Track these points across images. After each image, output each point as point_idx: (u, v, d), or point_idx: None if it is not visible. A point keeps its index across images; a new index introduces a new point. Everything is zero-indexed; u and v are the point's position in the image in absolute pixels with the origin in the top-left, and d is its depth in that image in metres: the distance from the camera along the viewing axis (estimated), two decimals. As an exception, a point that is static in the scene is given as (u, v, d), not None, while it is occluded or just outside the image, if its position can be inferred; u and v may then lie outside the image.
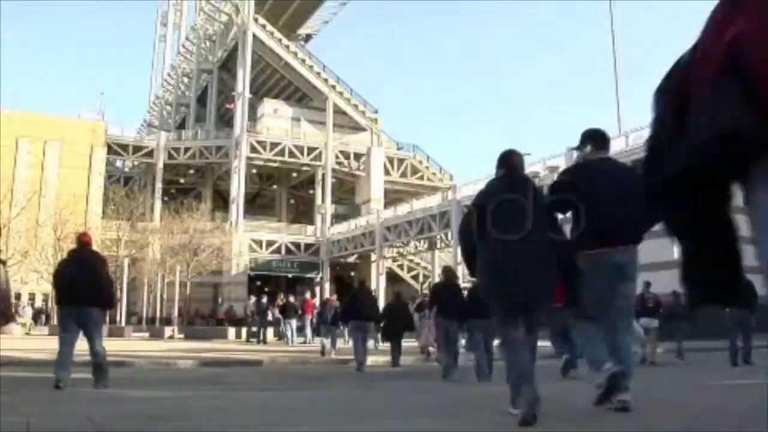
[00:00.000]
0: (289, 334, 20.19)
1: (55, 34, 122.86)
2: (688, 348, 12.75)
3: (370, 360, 11.87)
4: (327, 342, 14.92)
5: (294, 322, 20.44)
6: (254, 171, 49.64)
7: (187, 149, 48.02)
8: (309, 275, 44.54)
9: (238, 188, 45.61)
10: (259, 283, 42.28)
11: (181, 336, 24.59)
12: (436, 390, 7.29)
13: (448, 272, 10.17)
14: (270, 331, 22.54)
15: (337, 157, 48.02)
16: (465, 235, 4.30)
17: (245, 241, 43.78)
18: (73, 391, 6.35)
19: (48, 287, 30.66)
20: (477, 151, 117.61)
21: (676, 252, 1.08)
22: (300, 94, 52.14)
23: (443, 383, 8.42)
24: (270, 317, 22.50)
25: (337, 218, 48.21)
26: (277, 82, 52.56)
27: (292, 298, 21.90)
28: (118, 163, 51.20)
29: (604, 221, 4.04)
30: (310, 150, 47.23)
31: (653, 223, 3.53)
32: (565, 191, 4.27)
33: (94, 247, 8.09)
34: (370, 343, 13.33)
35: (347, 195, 51.66)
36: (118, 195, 34.77)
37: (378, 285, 40.96)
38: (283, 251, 44.97)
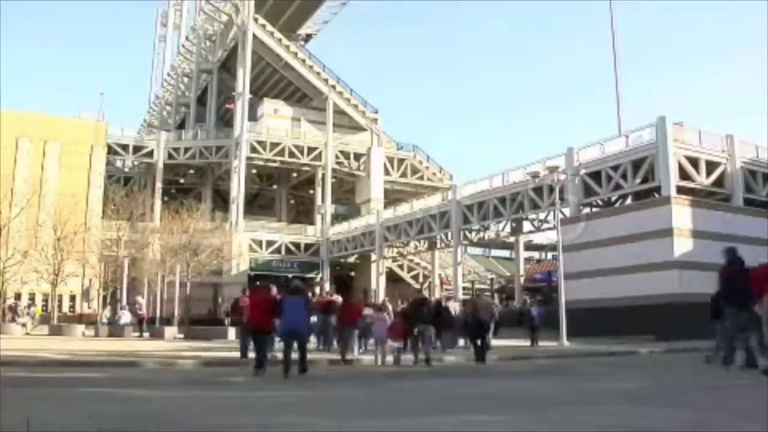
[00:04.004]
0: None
1: (55, 34, 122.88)
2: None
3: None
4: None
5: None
6: (254, 171, 49.66)
7: (187, 149, 48.04)
8: (309, 275, 44.52)
9: (238, 188, 45.62)
10: (258, 282, 42.24)
11: (181, 336, 24.51)
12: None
13: None
14: None
15: (337, 157, 48.04)
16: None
17: (245, 241, 43.80)
18: (74, 390, 6.36)
19: (48, 287, 30.56)
20: (477, 151, 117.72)
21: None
22: (300, 94, 52.14)
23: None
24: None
25: (337, 218, 48.21)
26: (277, 82, 52.55)
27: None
28: (118, 163, 51.20)
29: None
30: (310, 150, 47.26)
31: None
32: None
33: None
34: None
35: (347, 195, 51.65)
36: (118, 195, 34.65)
37: (378, 285, 40.99)
38: (283, 251, 45.00)
